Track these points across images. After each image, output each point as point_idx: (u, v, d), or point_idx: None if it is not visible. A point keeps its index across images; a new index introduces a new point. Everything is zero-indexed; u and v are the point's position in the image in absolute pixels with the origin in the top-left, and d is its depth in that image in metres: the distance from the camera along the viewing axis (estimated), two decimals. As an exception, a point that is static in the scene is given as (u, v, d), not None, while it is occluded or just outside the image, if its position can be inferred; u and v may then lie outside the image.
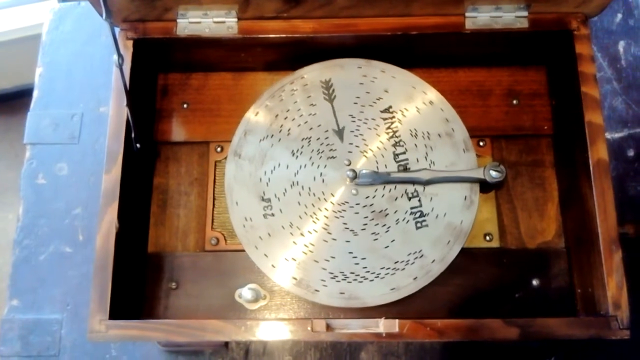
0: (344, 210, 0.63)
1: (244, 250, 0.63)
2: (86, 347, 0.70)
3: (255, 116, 0.66)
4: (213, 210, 0.67)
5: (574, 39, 0.64)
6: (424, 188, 0.64)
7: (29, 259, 0.73)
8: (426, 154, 0.65)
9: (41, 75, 0.82)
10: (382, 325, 0.55)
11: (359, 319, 0.57)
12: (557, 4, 0.63)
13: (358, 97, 0.67)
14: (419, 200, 0.64)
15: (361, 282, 0.61)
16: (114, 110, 0.62)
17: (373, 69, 0.68)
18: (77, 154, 0.78)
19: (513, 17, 0.65)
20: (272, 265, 0.61)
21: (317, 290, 0.61)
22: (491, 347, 0.69)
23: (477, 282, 0.65)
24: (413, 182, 0.64)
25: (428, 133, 0.66)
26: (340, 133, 0.66)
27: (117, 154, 0.61)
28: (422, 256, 0.62)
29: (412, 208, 0.63)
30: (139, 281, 0.65)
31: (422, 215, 0.63)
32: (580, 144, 0.61)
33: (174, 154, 0.70)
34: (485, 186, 0.65)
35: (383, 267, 0.61)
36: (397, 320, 0.55)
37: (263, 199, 0.63)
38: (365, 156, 0.65)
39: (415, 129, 0.66)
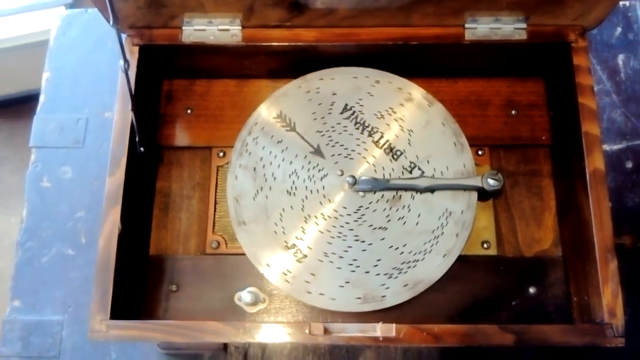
0: (363, 215, 0.64)
1: (244, 254, 0.63)
2: (86, 349, 0.71)
3: (237, 180, 0.66)
4: (214, 214, 0.68)
5: (572, 51, 0.64)
6: (417, 156, 0.66)
7: (31, 261, 0.74)
8: (400, 127, 0.67)
9: (48, 80, 0.83)
10: (380, 330, 0.55)
11: (356, 323, 0.57)
12: (555, 17, 0.64)
13: (314, 113, 0.68)
14: (419, 169, 0.65)
15: (415, 266, 0.62)
16: (118, 115, 0.63)
17: (311, 82, 0.69)
18: (82, 158, 0.79)
19: (512, 29, 0.66)
20: (332, 299, 0.61)
21: (383, 297, 0.61)
22: (488, 355, 0.69)
23: (474, 289, 0.65)
24: (412, 189, 0.64)
25: (391, 108, 0.67)
26: (318, 152, 0.66)
27: (121, 157, 0.62)
28: (450, 214, 0.64)
29: (417, 178, 0.65)
30: (139, 283, 0.66)
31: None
32: (577, 154, 0.62)
33: (177, 159, 0.71)
34: (483, 194, 0.66)
35: (425, 242, 0.63)
36: (394, 325, 0.55)
37: (288, 247, 0.63)
38: (352, 158, 0.66)
39: (378, 111, 0.67)
